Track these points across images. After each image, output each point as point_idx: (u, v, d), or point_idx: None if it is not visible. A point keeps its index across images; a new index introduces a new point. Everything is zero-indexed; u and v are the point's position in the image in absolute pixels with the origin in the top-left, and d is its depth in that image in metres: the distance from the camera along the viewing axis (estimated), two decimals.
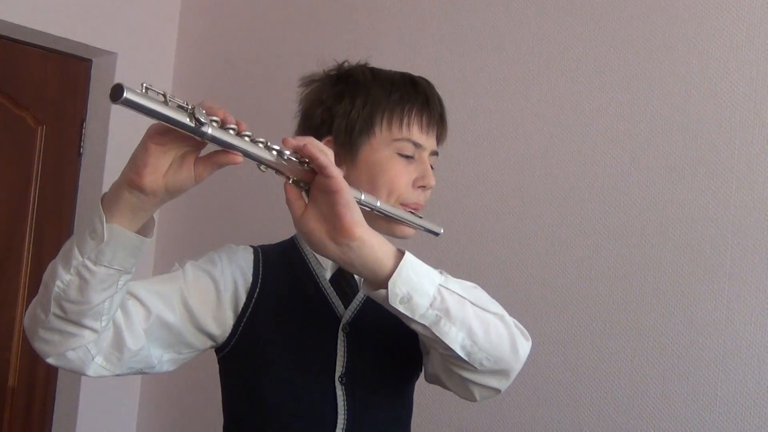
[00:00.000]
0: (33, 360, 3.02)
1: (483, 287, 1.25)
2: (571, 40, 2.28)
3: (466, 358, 1.15)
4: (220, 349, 1.33)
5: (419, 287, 1.10)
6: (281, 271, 1.34)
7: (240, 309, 1.29)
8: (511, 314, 1.23)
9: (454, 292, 1.14)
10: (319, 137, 1.31)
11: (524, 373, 2.13)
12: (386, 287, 1.09)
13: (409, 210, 1.31)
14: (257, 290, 1.30)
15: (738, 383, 1.93)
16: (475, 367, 1.17)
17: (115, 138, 3.09)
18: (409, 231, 1.32)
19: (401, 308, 1.10)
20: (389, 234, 1.31)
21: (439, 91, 1.42)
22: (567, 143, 2.26)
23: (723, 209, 1.99)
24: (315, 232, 1.08)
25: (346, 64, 1.41)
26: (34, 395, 3.09)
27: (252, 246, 1.37)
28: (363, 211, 1.19)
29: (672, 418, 2.01)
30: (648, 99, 2.13)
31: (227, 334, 1.29)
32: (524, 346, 1.21)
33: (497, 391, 1.24)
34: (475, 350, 1.15)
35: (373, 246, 1.09)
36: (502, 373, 1.21)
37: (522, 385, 2.23)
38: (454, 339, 1.13)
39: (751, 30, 1.99)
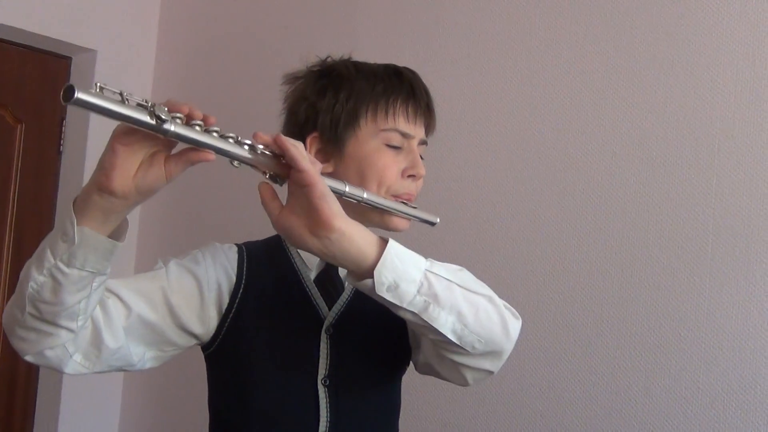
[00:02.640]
0: (14, 359, 2.99)
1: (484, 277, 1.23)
2: (561, 34, 2.29)
3: (457, 342, 1.14)
4: (205, 348, 1.32)
5: (405, 274, 1.09)
6: (266, 271, 1.32)
7: (224, 308, 1.28)
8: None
9: (440, 276, 1.12)
10: (305, 134, 1.31)
11: (507, 368, 2.15)
12: (371, 277, 1.07)
13: (401, 201, 1.29)
14: (241, 290, 1.29)
15: (719, 376, 1.95)
16: (467, 351, 1.16)
17: (96, 136, 3.07)
18: (403, 223, 1.30)
19: (388, 297, 1.08)
20: (383, 227, 1.29)
21: (430, 82, 1.41)
22: (555, 138, 2.27)
23: (703, 204, 2.00)
24: (294, 227, 1.07)
25: (329, 60, 1.39)
26: (15, 395, 3.08)
27: (237, 244, 1.36)
28: (352, 204, 1.19)
29: (654, 411, 2.03)
30: (630, 96, 2.15)
31: (211, 334, 1.28)
32: (515, 326, 1.20)
33: (490, 372, 1.23)
34: (466, 333, 1.14)
35: (353, 236, 1.07)
36: (494, 354, 1.20)
37: (505, 380, 2.24)
38: (444, 323, 1.12)
39: (732, 25, 2.01)
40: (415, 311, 1.10)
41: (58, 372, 1.14)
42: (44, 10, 3.00)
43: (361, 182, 1.26)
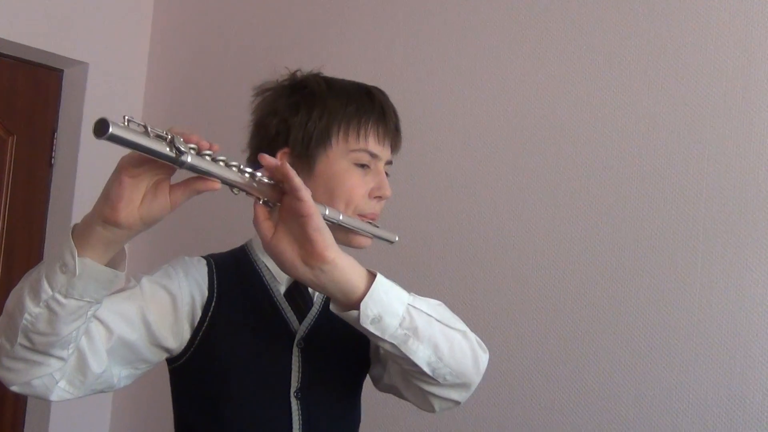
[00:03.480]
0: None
1: (443, 295, 1.27)
2: (548, 45, 2.31)
3: (430, 374, 1.17)
4: (172, 361, 1.31)
5: (389, 308, 1.11)
6: (236, 284, 1.33)
7: (197, 322, 1.28)
8: (473, 319, 1.25)
9: (421, 311, 1.15)
10: (275, 148, 1.32)
11: (497, 379, 2.15)
12: (358, 308, 1.09)
13: (366, 220, 1.31)
14: (213, 304, 1.29)
15: (710, 388, 1.95)
16: (438, 381, 1.20)
17: (87, 148, 3.08)
18: (365, 241, 1.32)
19: (371, 328, 1.11)
20: (346, 244, 1.31)
21: (399, 99, 1.43)
22: (532, 147, 2.28)
23: (694, 213, 2.02)
24: (286, 254, 1.08)
25: (299, 74, 1.40)
26: (5, 407, 3.07)
27: (204, 257, 1.36)
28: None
29: (645, 423, 2.03)
30: (620, 106, 2.16)
31: (183, 347, 1.28)
32: (484, 360, 1.24)
33: (457, 403, 1.27)
34: (440, 366, 1.17)
35: (344, 269, 1.09)
36: (463, 386, 1.23)
37: (495, 390, 2.25)
38: (421, 356, 1.15)
39: (722, 35, 2.03)
40: (395, 343, 1.13)
41: (42, 400, 1.12)
42: (36, 23, 3.01)
43: (329, 200, 1.28)
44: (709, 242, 1.99)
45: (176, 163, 0.95)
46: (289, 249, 1.08)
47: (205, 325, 1.28)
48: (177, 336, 1.27)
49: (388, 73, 2.59)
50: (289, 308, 1.33)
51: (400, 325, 1.12)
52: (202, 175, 1.00)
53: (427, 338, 1.15)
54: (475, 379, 1.23)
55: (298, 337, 1.32)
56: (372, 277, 1.12)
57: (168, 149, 0.93)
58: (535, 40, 2.33)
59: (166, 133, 0.94)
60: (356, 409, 1.44)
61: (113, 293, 1.22)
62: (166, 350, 1.28)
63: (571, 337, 2.16)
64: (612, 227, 2.13)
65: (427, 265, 2.44)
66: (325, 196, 1.29)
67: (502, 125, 2.36)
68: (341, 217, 1.22)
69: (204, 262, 1.34)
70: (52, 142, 3.21)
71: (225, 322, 1.29)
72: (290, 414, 1.30)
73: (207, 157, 0.99)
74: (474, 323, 1.28)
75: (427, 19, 2.56)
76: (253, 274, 1.35)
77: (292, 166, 1.30)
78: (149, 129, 0.92)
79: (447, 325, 1.19)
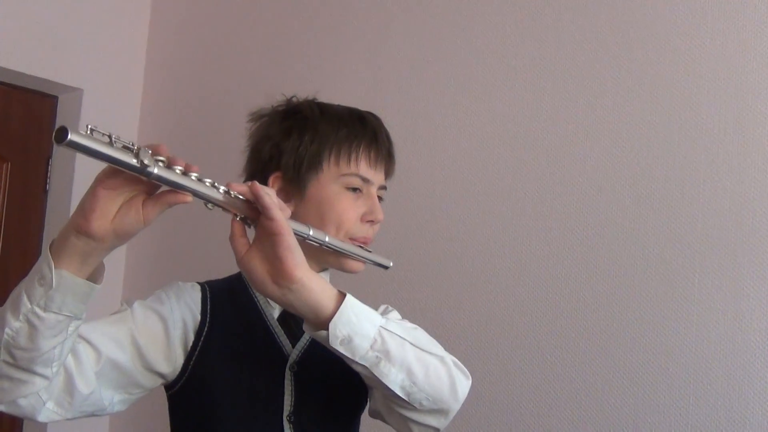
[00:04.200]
0: None
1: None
2: (541, 59, 2.32)
3: (405, 398, 1.17)
4: (169, 387, 1.32)
5: (359, 329, 1.11)
6: (229, 309, 1.33)
7: (189, 347, 1.28)
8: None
9: (394, 333, 1.15)
10: (268, 173, 1.33)
11: (495, 406, 2.14)
12: (327, 329, 1.10)
13: (358, 244, 1.32)
14: (206, 328, 1.30)
15: (708, 412, 1.94)
16: (415, 407, 1.19)
17: (82, 175, 3.08)
18: (358, 266, 1.33)
19: (341, 349, 1.11)
20: (339, 269, 1.33)
21: (393, 119, 1.45)
22: (525, 167, 2.29)
23: (690, 234, 2.01)
24: (257, 271, 1.09)
25: (294, 99, 1.42)
26: (2, 416, 3.05)
27: (199, 283, 1.36)
28: (312, 246, 1.21)
29: None
30: (612, 114, 2.17)
31: (177, 373, 1.28)
32: (463, 386, 1.23)
33: (436, 430, 1.25)
34: (415, 391, 1.17)
35: (312, 289, 1.10)
36: (440, 412, 1.22)
37: (493, 417, 2.23)
38: (394, 380, 1.15)
39: (716, 48, 2.04)
40: (367, 365, 1.13)
41: (30, 420, 1.13)
42: (30, 49, 3.02)
43: (320, 224, 1.29)
44: (705, 266, 1.99)
45: (143, 173, 0.95)
46: (259, 267, 1.09)
47: (198, 349, 1.28)
48: (170, 361, 1.27)
49: (383, 91, 2.60)
50: (282, 332, 1.33)
51: (371, 347, 1.12)
52: (172, 186, 1.00)
53: (400, 361, 1.15)
54: (453, 405, 1.22)
55: (290, 361, 1.31)
56: (342, 297, 1.12)
57: (134, 160, 0.94)
58: (530, 56, 2.34)
59: (133, 145, 0.95)
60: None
61: (105, 317, 1.23)
62: (160, 375, 1.27)
63: (569, 358, 2.15)
64: (609, 252, 2.13)
65: (418, 288, 2.44)
66: (317, 220, 1.29)
67: (495, 143, 2.36)
68: (327, 239, 1.23)
69: (198, 287, 1.35)
70: (47, 168, 3.21)
71: (218, 346, 1.29)
72: None
73: (177, 170, 0.99)
74: (467, 346, 1.28)
75: (423, 39, 2.57)
76: (246, 300, 1.35)
77: (284, 190, 1.32)
78: (114, 139, 0.93)
79: (422, 349, 1.19)
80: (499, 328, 2.28)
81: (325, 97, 1.45)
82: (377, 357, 1.13)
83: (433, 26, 2.55)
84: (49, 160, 3.21)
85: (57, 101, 3.25)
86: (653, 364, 2.03)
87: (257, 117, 1.41)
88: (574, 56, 2.25)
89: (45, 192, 3.21)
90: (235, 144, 2.98)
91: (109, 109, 3.23)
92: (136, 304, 1.27)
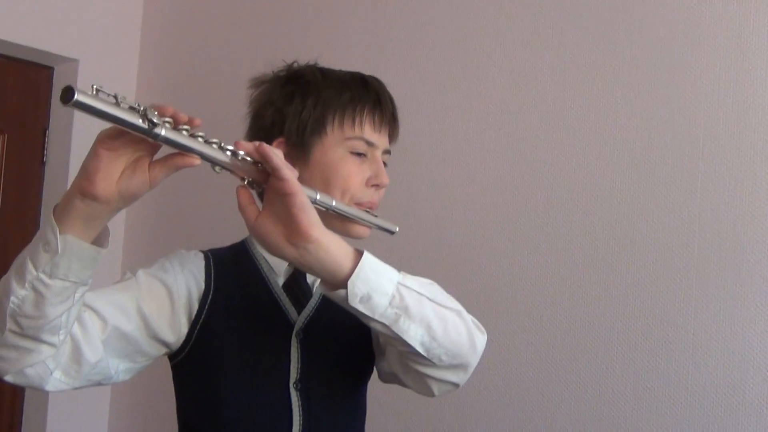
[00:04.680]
0: None
1: (442, 285, 1.26)
2: (540, 38, 2.30)
3: (425, 354, 1.16)
4: (173, 356, 1.31)
5: (378, 286, 1.10)
6: (233, 277, 1.32)
7: (194, 315, 1.27)
8: (471, 313, 1.24)
9: (412, 289, 1.14)
10: (271, 138, 1.32)
11: (495, 371, 2.15)
12: (345, 287, 1.09)
13: (364, 209, 1.31)
14: (210, 297, 1.29)
15: (708, 377, 1.95)
16: (434, 363, 1.17)
17: (79, 146, 3.06)
18: (364, 231, 1.31)
19: (361, 308, 1.10)
20: (344, 234, 1.31)
21: (395, 89, 1.42)
22: (531, 143, 2.27)
23: (688, 206, 2.01)
24: (270, 235, 1.07)
25: (295, 65, 1.40)
26: (2, 407, 3.05)
27: (202, 251, 1.35)
28: (318, 211, 1.20)
29: (644, 413, 2.02)
30: (613, 100, 2.15)
31: (181, 342, 1.28)
32: (481, 340, 1.22)
33: (456, 385, 1.25)
34: (434, 346, 1.15)
35: (329, 247, 1.08)
36: (460, 367, 1.21)
37: (493, 383, 2.24)
38: (414, 336, 1.13)
39: (714, 25, 2.02)
40: (386, 323, 1.12)
41: (38, 390, 1.12)
42: (25, 20, 2.99)
43: (326, 189, 1.27)
44: (703, 233, 1.98)
45: (149, 135, 0.93)
46: (273, 230, 1.07)
47: (202, 318, 1.28)
48: (174, 329, 1.26)
49: (385, 66, 2.58)
50: (288, 300, 1.32)
51: (389, 303, 1.11)
52: (179, 149, 0.98)
53: (419, 317, 1.13)
54: (473, 359, 1.21)
55: (296, 328, 1.31)
56: (359, 255, 1.11)
57: (141, 121, 0.92)
58: (531, 43, 2.31)
59: (139, 105, 0.93)
60: (360, 402, 1.43)
61: (109, 286, 1.23)
62: (165, 344, 1.27)
63: (566, 328, 2.16)
64: (609, 222, 2.13)
65: (426, 255, 2.44)
66: (321, 185, 1.28)
67: (501, 121, 2.35)
68: (334, 203, 1.22)
69: (201, 255, 1.34)
70: (44, 140, 3.19)
71: (222, 314, 1.28)
72: (290, 405, 1.29)
73: (184, 132, 0.97)
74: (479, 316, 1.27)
75: (424, 17, 2.55)
76: (251, 267, 1.34)
77: (288, 155, 1.29)
78: (119, 99, 0.91)
79: (440, 304, 1.18)
80: (502, 297, 2.28)
81: (326, 64, 1.42)
82: (396, 313, 1.12)
83: None
84: (45, 132, 3.18)
85: (53, 72, 3.22)
86: (653, 330, 2.03)
87: (258, 83, 1.39)
88: (572, 27, 2.23)
89: (42, 164, 3.19)
90: (233, 111, 2.96)
91: (105, 79, 3.15)
92: (141, 273, 1.26)
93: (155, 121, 0.93)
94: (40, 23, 3.03)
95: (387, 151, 1.38)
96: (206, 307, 1.28)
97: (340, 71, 1.39)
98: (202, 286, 1.29)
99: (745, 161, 1.95)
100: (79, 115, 3.06)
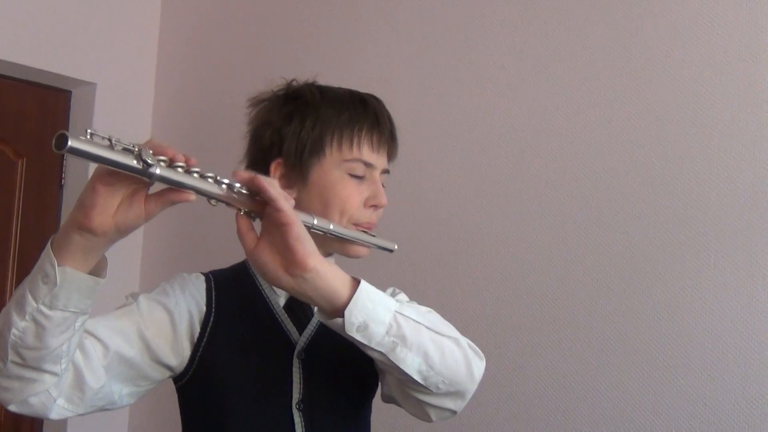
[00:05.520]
0: None
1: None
2: (545, 47, 2.31)
3: (422, 383, 1.16)
4: (177, 379, 1.31)
5: (375, 315, 1.10)
6: (235, 299, 1.32)
7: (196, 338, 1.28)
8: (475, 329, 1.24)
9: (409, 317, 1.14)
10: (269, 159, 1.32)
11: (515, 391, 2.14)
12: (342, 316, 1.09)
13: (362, 229, 1.31)
14: (211, 319, 1.29)
15: (726, 392, 1.93)
16: (431, 390, 1.18)
17: None
18: (362, 250, 1.31)
19: (358, 336, 1.10)
20: (343, 254, 1.32)
21: (395, 105, 1.42)
22: (535, 152, 2.27)
23: (704, 215, 2.00)
24: (268, 264, 1.08)
25: (294, 83, 1.40)
26: (22, 425, 3.07)
27: (203, 273, 1.36)
28: (315, 234, 1.20)
29: (664, 427, 2.01)
30: (626, 105, 2.15)
31: (185, 364, 1.28)
32: (479, 368, 1.22)
33: (453, 412, 1.25)
34: (432, 374, 1.16)
35: (327, 276, 1.09)
36: (457, 394, 1.21)
37: (512, 401, 2.23)
38: (411, 364, 1.14)
39: (729, 30, 2.02)
40: (383, 351, 1.12)
41: (42, 418, 1.12)
42: (43, 45, 3.03)
43: (324, 209, 1.28)
44: (720, 244, 1.97)
45: (145, 175, 0.94)
46: (270, 259, 1.08)
47: (204, 340, 1.28)
48: (177, 353, 1.26)
49: (388, 80, 2.59)
50: (289, 320, 1.32)
51: (386, 332, 1.11)
52: (175, 186, 0.99)
53: (416, 346, 1.14)
54: (470, 387, 1.21)
55: (298, 348, 1.31)
56: (357, 284, 1.11)
57: (135, 162, 0.93)
58: (535, 47, 2.32)
59: (134, 146, 0.93)
60: (364, 421, 1.42)
61: (110, 311, 1.23)
62: (168, 367, 1.27)
63: (584, 345, 2.15)
64: (623, 232, 2.11)
65: (428, 272, 2.44)
66: (320, 206, 1.28)
67: (502, 129, 2.35)
68: (331, 227, 1.22)
69: (202, 278, 1.34)
70: (62, 163, 3.22)
71: (224, 336, 1.29)
72: (293, 425, 1.29)
73: (179, 169, 0.98)
74: (476, 328, 1.27)
75: (427, 29, 2.56)
76: (252, 288, 1.34)
77: (286, 176, 1.31)
78: (114, 142, 0.92)
79: (437, 332, 1.18)
80: (511, 311, 2.27)
81: (334, 83, 1.42)
82: (393, 342, 1.12)
83: (443, 7, 2.53)
84: (63, 156, 3.20)
85: (70, 96, 3.26)
86: (671, 346, 2.02)
87: (256, 102, 1.40)
88: (589, 44, 2.23)
89: (60, 187, 3.22)
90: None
91: (122, 103, 3.24)
92: (141, 297, 1.26)
93: (149, 161, 0.94)
94: (58, 48, 3.07)
95: (386, 171, 1.37)
96: (208, 329, 1.28)
97: (339, 89, 1.39)
98: (204, 308, 1.30)
99: (758, 171, 1.94)
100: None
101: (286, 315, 1.32)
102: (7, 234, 3.06)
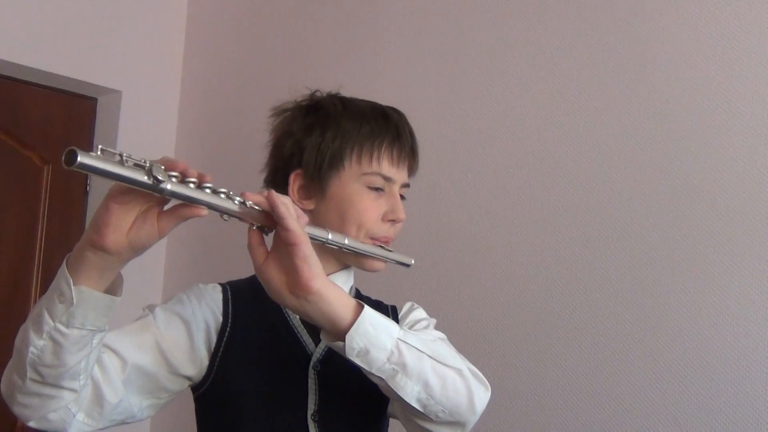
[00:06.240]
0: None
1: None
2: (554, 52, 2.30)
3: (422, 411, 1.15)
4: (195, 388, 1.31)
5: (376, 341, 1.10)
6: (252, 309, 1.32)
7: (213, 349, 1.28)
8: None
9: (412, 346, 1.13)
10: (289, 169, 1.32)
11: (531, 402, 2.12)
12: (344, 340, 1.09)
13: (378, 244, 1.30)
14: (228, 329, 1.29)
15: (749, 406, 1.91)
16: (431, 418, 1.17)
17: None
18: (379, 265, 1.31)
19: (358, 361, 1.10)
20: (359, 268, 1.31)
21: (416, 119, 1.41)
22: (555, 162, 2.26)
23: (727, 224, 1.99)
24: (274, 281, 1.08)
25: (317, 94, 1.40)
26: None
27: (221, 284, 1.36)
28: (331, 247, 1.19)
29: None
30: (635, 105, 2.14)
31: (203, 374, 1.28)
32: (481, 399, 1.21)
33: None
34: (431, 403, 1.15)
35: (330, 300, 1.08)
36: (457, 424, 1.20)
37: (531, 414, 2.21)
38: (410, 393, 1.13)
39: (749, 43, 2.00)
40: (383, 377, 1.12)
41: None
42: (70, 53, 3.05)
43: (341, 222, 1.27)
44: (746, 257, 1.96)
45: (156, 190, 0.94)
46: (276, 277, 1.08)
47: (221, 350, 1.28)
48: (195, 363, 1.26)
49: (409, 94, 2.59)
50: (305, 331, 1.32)
51: (387, 359, 1.11)
52: (186, 201, 0.99)
53: (417, 374, 1.13)
54: (470, 418, 1.20)
55: (314, 359, 1.30)
56: (360, 309, 1.11)
57: (146, 177, 0.93)
58: (557, 65, 2.31)
59: (145, 162, 0.93)
60: (381, 430, 1.41)
61: (127, 324, 1.23)
62: (186, 378, 1.27)
63: (603, 355, 2.13)
64: (648, 244, 2.10)
65: (443, 285, 2.43)
66: (337, 219, 1.28)
67: (518, 143, 2.34)
68: (346, 242, 1.22)
69: (219, 288, 1.34)
70: None
71: (240, 346, 1.28)
72: None
73: (191, 185, 0.98)
74: (491, 343, 1.26)
75: (453, 46, 2.56)
76: (268, 299, 1.33)
77: (305, 187, 1.31)
78: (125, 158, 0.92)
79: (440, 362, 1.17)
80: (529, 323, 2.26)
81: (357, 95, 1.42)
82: (394, 369, 1.12)
83: (466, 21, 2.53)
84: None
85: (96, 103, 3.28)
86: (693, 357, 2.01)
87: (279, 111, 1.40)
88: (611, 61, 2.22)
89: (86, 193, 3.24)
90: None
91: (147, 111, 3.26)
92: (158, 309, 1.26)
93: (160, 177, 0.93)
94: (85, 56, 3.10)
95: (405, 185, 1.37)
96: (225, 339, 1.28)
97: (362, 102, 1.39)
98: (220, 318, 1.29)
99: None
100: (121, 146, 3.12)
101: (302, 326, 1.32)
102: (33, 240, 3.08)
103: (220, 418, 1.31)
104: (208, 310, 1.29)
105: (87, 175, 3.09)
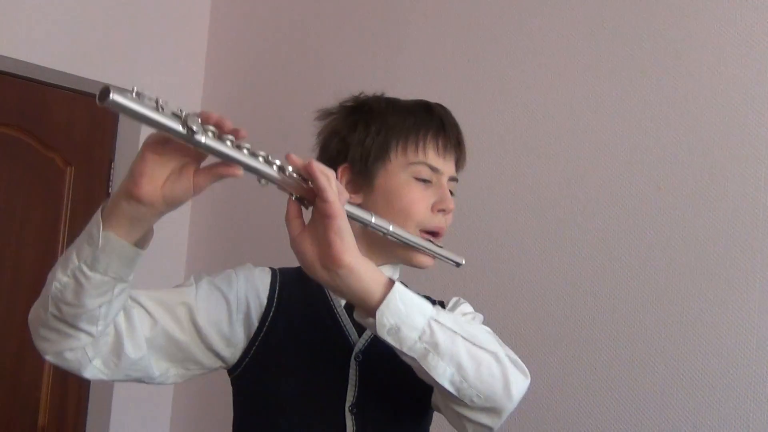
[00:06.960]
0: (62, 399, 3.04)
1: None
2: (593, 72, 2.29)
3: (455, 394, 1.12)
4: (231, 371, 1.31)
5: (407, 319, 1.07)
6: (297, 296, 1.32)
7: (253, 332, 1.27)
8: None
9: (445, 326, 1.10)
10: (336, 167, 1.31)
11: (554, 405, 2.11)
12: (375, 316, 1.07)
13: (427, 238, 1.29)
14: (271, 314, 1.29)
15: None
16: (466, 403, 1.13)
17: None
18: (427, 260, 1.30)
19: (389, 339, 1.08)
20: (407, 262, 1.30)
21: (461, 118, 1.41)
22: (591, 166, 2.24)
23: (750, 233, 1.96)
24: (307, 254, 1.07)
25: (362, 95, 1.40)
26: (67, 409, 3.09)
27: (271, 268, 1.36)
28: (379, 237, 1.18)
29: None
30: (668, 127, 2.12)
31: (237, 356, 1.28)
32: (519, 385, 1.16)
33: (489, 428, 1.19)
34: (465, 387, 1.11)
35: (361, 275, 1.06)
36: (493, 411, 1.16)
37: (550, 418, 2.20)
38: (443, 374, 1.10)
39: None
40: (414, 357, 1.09)
41: (77, 375, 1.13)
42: (93, 55, 3.07)
43: (390, 214, 1.26)
44: (765, 291, 1.93)
45: (190, 141, 0.93)
46: (310, 249, 1.06)
47: (261, 335, 1.28)
48: (229, 342, 1.26)
49: (452, 88, 2.58)
50: (349, 320, 1.30)
51: (419, 338, 1.08)
52: (222, 158, 0.98)
53: (450, 355, 1.10)
54: (507, 404, 1.15)
55: (356, 350, 1.29)
56: (392, 285, 1.09)
57: (181, 127, 0.91)
58: (589, 76, 2.30)
59: (182, 111, 0.93)
60: (421, 428, 1.38)
61: (168, 288, 1.24)
62: (220, 357, 1.27)
63: (625, 362, 2.11)
64: (668, 251, 2.08)
65: (486, 284, 2.42)
66: (385, 211, 1.27)
67: (553, 148, 2.33)
68: (391, 228, 1.20)
69: (269, 272, 1.34)
70: (110, 172, 3.26)
71: (282, 332, 1.28)
72: (345, 429, 1.26)
73: (228, 143, 0.97)
74: (533, 344, 1.24)
75: (484, 46, 2.55)
76: (316, 287, 1.30)
77: (353, 182, 1.31)
78: (160, 104, 0.91)
79: (475, 344, 1.13)
80: (557, 329, 2.24)
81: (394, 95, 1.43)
82: (425, 349, 1.09)
83: (488, 21, 2.53)
84: (111, 164, 3.25)
85: None
86: (713, 366, 1.98)
87: (325, 114, 1.40)
88: (647, 70, 2.20)
89: (108, 195, 3.24)
90: (298, 143, 3.00)
91: None
92: (204, 281, 1.27)
93: (194, 128, 0.92)
94: (107, 57, 3.11)
95: (453, 178, 1.36)
96: (266, 324, 1.28)
97: (406, 100, 1.39)
98: (264, 301, 1.29)
99: None
100: None
101: (347, 315, 1.31)
102: (55, 242, 3.10)
103: (256, 402, 1.31)
104: (253, 291, 1.29)
105: (110, 177, 3.18)
